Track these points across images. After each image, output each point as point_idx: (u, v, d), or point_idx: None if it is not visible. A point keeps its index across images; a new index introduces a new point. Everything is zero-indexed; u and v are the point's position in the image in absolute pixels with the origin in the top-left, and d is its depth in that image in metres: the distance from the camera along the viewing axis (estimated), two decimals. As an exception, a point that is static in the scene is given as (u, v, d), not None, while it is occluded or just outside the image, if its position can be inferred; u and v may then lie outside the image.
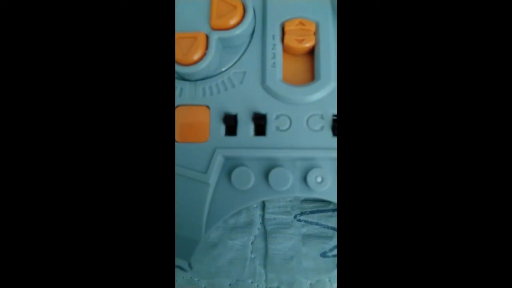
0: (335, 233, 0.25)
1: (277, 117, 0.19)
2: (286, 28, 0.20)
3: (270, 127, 0.19)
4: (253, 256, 0.25)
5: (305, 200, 0.24)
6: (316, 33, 0.20)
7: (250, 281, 0.24)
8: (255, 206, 0.25)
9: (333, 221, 0.25)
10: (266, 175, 0.19)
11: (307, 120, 0.19)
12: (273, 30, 0.20)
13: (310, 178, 0.19)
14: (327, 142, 0.19)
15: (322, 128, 0.19)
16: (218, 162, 0.19)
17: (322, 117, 0.19)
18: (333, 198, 0.19)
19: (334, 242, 0.25)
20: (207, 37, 0.19)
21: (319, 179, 0.19)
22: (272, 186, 0.19)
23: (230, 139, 0.19)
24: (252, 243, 0.25)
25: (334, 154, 0.19)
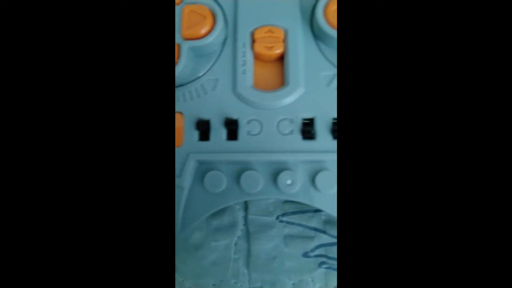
0: (317, 233, 0.25)
1: (249, 122, 0.20)
2: (256, 36, 0.20)
3: (242, 132, 0.20)
4: (236, 257, 0.25)
5: (287, 201, 0.25)
6: (285, 40, 0.20)
7: (233, 281, 0.25)
8: (238, 207, 0.26)
9: (314, 222, 0.25)
10: (238, 178, 0.19)
11: (277, 125, 0.20)
12: (244, 38, 0.20)
13: (280, 180, 0.19)
14: (297, 145, 0.19)
15: (291, 132, 0.19)
16: (191, 166, 0.20)
17: (291, 121, 0.19)
18: (303, 199, 0.19)
19: (315, 242, 0.25)
20: (179, 47, 0.20)
21: (289, 181, 0.19)
22: (243, 188, 0.19)
23: (203, 144, 0.20)
24: (235, 244, 0.25)
25: (303, 156, 0.19)
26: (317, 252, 0.25)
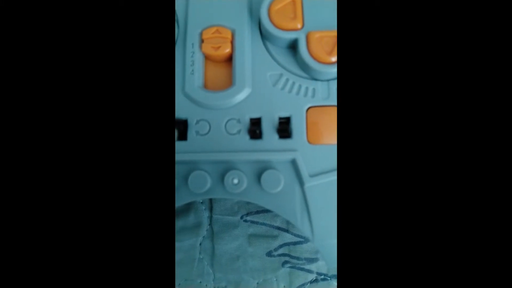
0: (280, 232, 0.25)
1: (197, 122, 0.20)
2: (204, 36, 0.20)
3: (191, 132, 0.20)
4: (201, 257, 0.25)
5: (251, 201, 0.25)
6: (232, 40, 0.20)
7: (199, 281, 0.25)
8: (203, 208, 0.26)
9: (278, 221, 0.25)
10: (186, 179, 0.20)
11: (225, 124, 0.20)
12: (193, 39, 0.21)
13: (227, 180, 0.19)
14: (243, 145, 0.19)
15: (239, 131, 0.20)
16: None
17: (239, 121, 0.20)
18: (249, 198, 0.19)
19: (279, 241, 0.25)
20: None
21: (235, 181, 0.19)
22: (191, 189, 0.19)
23: None
24: (200, 244, 0.26)
25: (250, 156, 0.19)
26: (280, 251, 0.25)
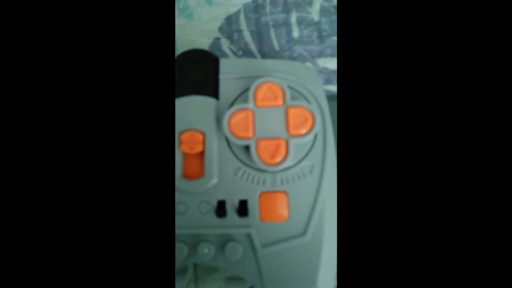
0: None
1: (178, 203, 0.26)
2: (181, 138, 0.27)
3: None
4: (188, 296, 0.32)
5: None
6: (204, 140, 0.27)
7: (186, 317, 0.32)
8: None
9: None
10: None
11: (198, 205, 0.26)
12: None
13: (200, 250, 0.26)
14: (212, 222, 0.26)
15: (208, 211, 0.26)
16: None
17: (208, 203, 0.26)
18: (217, 264, 0.26)
19: (248, 283, 0.32)
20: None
21: (205, 251, 0.26)
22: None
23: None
24: (187, 285, 0.32)
25: (217, 231, 0.26)
26: (251, 291, 0.32)
